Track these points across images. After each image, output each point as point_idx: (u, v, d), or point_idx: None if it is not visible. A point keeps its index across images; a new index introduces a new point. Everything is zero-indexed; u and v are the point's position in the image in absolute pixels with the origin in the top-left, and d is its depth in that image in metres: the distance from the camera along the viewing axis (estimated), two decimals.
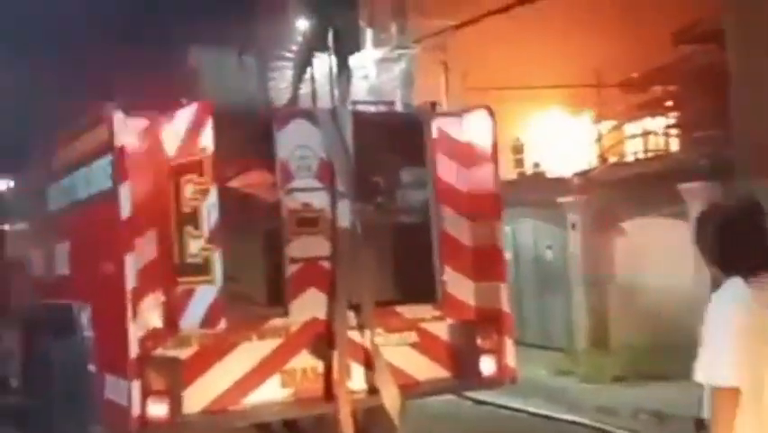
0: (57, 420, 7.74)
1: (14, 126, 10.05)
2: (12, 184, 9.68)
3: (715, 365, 3.16)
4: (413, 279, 6.75)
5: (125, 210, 6.07)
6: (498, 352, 6.91)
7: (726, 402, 3.14)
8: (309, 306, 6.49)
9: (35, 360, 8.55)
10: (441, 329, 6.92)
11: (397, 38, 8.93)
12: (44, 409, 8.15)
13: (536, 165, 16.98)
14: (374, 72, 8.05)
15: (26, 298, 8.96)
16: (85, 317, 6.95)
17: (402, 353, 6.75)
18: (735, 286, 3.21)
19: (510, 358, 6.93)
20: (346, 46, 7.22)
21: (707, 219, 3.33)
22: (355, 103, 6.88)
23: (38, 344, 8.41)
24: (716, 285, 3.54)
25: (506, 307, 6.89)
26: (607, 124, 16.91)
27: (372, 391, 6.53)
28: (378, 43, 8.26)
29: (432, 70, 9.10)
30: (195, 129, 6.03)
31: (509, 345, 6.93)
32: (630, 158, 16.01)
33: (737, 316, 3.16)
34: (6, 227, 9.75)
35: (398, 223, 6.89)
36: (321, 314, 6.52)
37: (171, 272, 6.19)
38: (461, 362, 6.94)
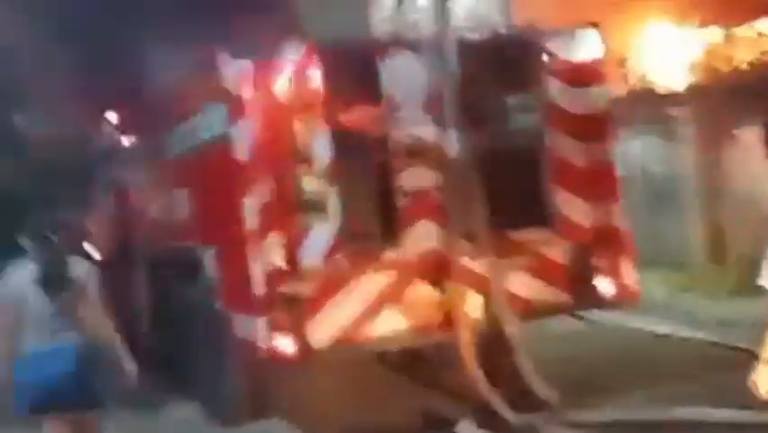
0: (186, 360, 8.09)
1: (129, 72, 10.32)
2: (128, 132, 9.99)
3: None
4: (526, 203, 6.75)
5: (242, 153, 6.25)
6: (615, 272, 6.89)
7: None
8: (423, 236, 6.58)
9: (162, 302, 8.93)
10: (556, 252, 6.92)
11: None
12: (173, 349, 8.52)
13: (643, 78, 16.45)
14: None
15: (150, 242, 9.32)
16: (209, 259, 7.22)
17: (517, 277, 6.79)
18: None
19: (629, 278, 6.89)
20: None
21: None
22: (459, 28, 6.81)
23: (164, 286, 8.77)
24: None
25: (622, 225, 6.85)
26: (716, 32, 16.19)
27: (490, 317, 6.60)
28: None
29: None
30: (304, 68, 6.11)
31: (627, 264, 6.89)
32: (740, 66, 15.37)
33: None
34: (126, 175, 10.09)
35: (509, 148, 6.85)
36: (435, 244, 6.60)
37: (289, 211, 6.34)
38: (577, 283, 6.93)
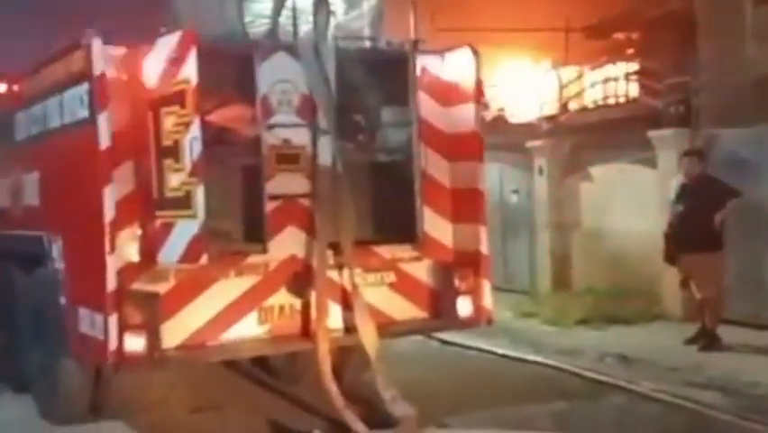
0: (23, 353, 7.62)
1: None
2: None
3: None
4: (392, 218, 6.70)
5: (104, 140, 5.91)
6: (474, 293, 6.93)
7: None
8: (288, 243, 6.44)
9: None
10: (418, 270, 6.92)
11: None
12: (9, 341, 8.02)
13: (501, 110, 17.03)
14: (341, 9, 7.84)
15: None
16: (55, 249, 6.79)
17: (379, 292, 6.74)
18: None
19: (487, 300, 6.94)
20: None
21: None
22: (338, 38, 6.72)
23: (2, 275, 8.22)
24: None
25: (484, 249, 6.88)
26: (570, 71, 16.90)
27: (350, 329, 6.51)
28: None
29: (399, 10, 8.96)
30: (177, 59, 5.83)
31: (486, 286, 6.94)
32: (591, 105, 16.07)
33: None
34: None
35: (379, 162, 6.83)
36: (300, 252, 6.47)
37: (150, 206, 6.06)
38: (437, 302, 6.96)
